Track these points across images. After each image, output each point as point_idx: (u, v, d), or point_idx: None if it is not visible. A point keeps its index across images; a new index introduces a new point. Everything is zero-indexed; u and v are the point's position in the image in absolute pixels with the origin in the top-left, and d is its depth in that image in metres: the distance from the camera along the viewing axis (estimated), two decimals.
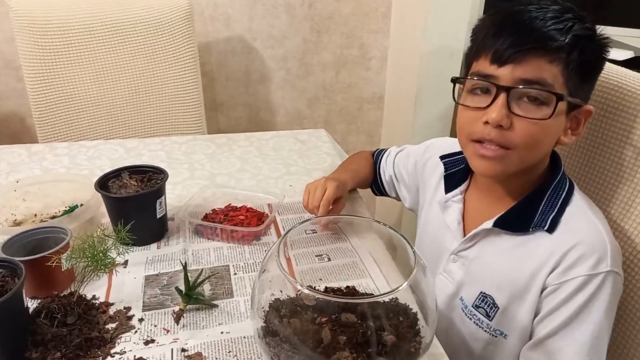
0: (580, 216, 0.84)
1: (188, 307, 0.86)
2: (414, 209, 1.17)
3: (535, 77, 0.76)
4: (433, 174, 1.05)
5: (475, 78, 0.81)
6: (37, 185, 1.16)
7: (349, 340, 0.70)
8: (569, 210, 0.84)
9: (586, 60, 0.78)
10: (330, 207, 1.05)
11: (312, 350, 0.67)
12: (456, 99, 0.86)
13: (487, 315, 0.88)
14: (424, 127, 1.98)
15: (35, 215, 1.14)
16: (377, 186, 1.26)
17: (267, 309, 0.75)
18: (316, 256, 1.00)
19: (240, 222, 1.06)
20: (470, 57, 0.86)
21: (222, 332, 0.82)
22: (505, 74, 0.77)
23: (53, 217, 1.11)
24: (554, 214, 0.84)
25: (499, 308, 0.86)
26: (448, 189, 0.99)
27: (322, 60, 2.11)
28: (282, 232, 1.09)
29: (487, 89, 0.80)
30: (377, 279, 0.94)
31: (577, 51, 0.77)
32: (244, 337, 0.81)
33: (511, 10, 0.81)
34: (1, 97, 1.94)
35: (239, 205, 1.13)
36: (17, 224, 1.10)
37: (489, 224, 0.88)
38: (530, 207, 0.86)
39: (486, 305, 0.88)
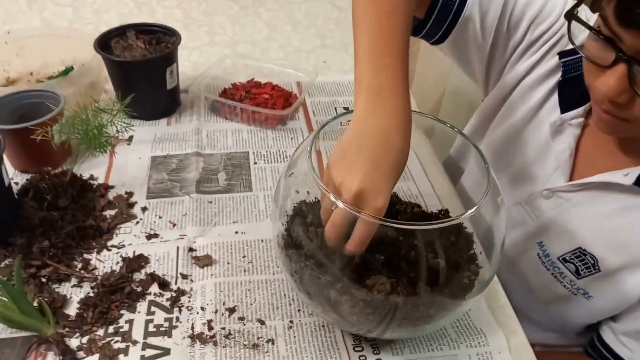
0: None
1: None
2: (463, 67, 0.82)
3: None
4: (546, 79, 0.73)
5: (594, 31, 0.56)
6: (34, 39, 1.00)
7: (387, 260, 0.57)
8: None
9: None
10: None
11: (342, 271, 0.55)
12: (572, 38, 0.60)
13: (577, 273, 0.71)
14: None
15: (32, 74, 0.99)
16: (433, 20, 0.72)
17: (291, 213, 0.62)
18: None
19: (263, 101, 0.90)
20: None
21: (236, 232, 0.70)
22: (630, 39, 0.52)
23: (50, 78, 0.97)
24: None
25: (599, 271, 0.69)
26: (566, 106, 0.71)
27: None
28: (312, 118, 0.94)
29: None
30: (420, 182, 0.80)
31: None
32: (262, 241, 0.69)
33: None
34: None
35: (263, 81, 0.96)
36: (10, 82, 0.96)
37: (624, 178, 0.64)
38: None
39: (581, 263, 0.70)
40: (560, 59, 0.72)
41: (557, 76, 0.72)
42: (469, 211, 0.51)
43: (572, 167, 0.71)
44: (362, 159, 0.50)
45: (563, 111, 0.71)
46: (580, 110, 0.70)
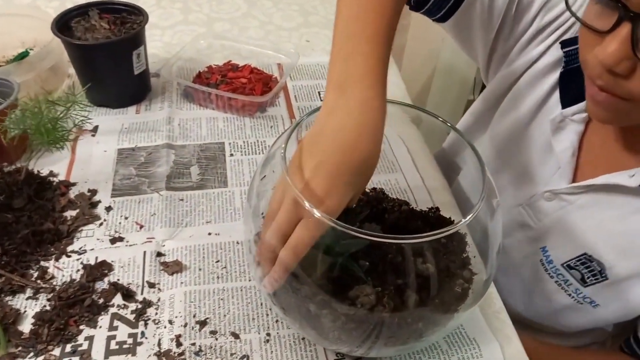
0: None
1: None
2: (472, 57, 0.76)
3: None
4: (552, 70, 0.67)
5: None
6: None
7: (373, 267, 0.52)
8: None
9: None
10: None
11: (321, 282, 0.50)
12: (570, 3, 0.54)
13: (582, 281, 0.66)
14: None
15: None
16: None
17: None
18: None
19: (241, 86, 0.84)
20: None
21: (209, 234, 0.65)
22: None
23: (9, 62, 0.89)
24: None
25: (607, 279, 0.64)
26: (568, 100, 0.64)
27: None
28: (294, 103, 0.87)
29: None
30: (409, 174, 0.75)
31: None
32: (237, 243, 0.64)
33: None
34: None
35: (241, 63, 0.90)
36: None
37: (629, 180, 0.58)
38: None
39: (587, 270, 0.65)
40: (562, 48, 0.64)
41: (557, 68, 0.65)
42: (463, 220, 0.46)
43: (575, 166, 0.65)
44: (313, 164, 0.44)
45: (564, 106, 0.64)
46: (583, 104, 0.63)
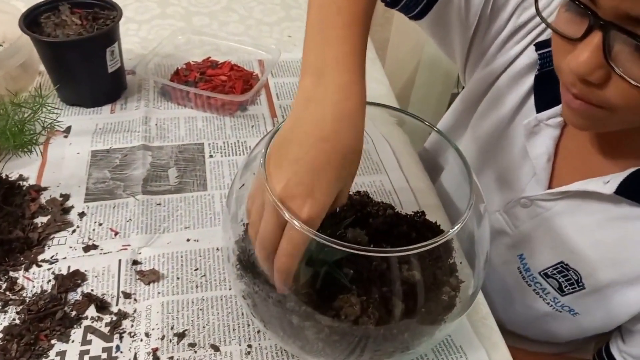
0: None
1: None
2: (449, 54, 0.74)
3: None
4: (530, 72, 0.65)
5: None
6: None
7: (357, 276, 0.50)
8: None
9: None
10: None
11: (303, 291, 0.48)
12: (540, 9, 0.52)
13: (560, 290, 0.64)
14: None
15: None
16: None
17: (247, 222, 0.54)
18: None
19: (220, 84, 0.81)
20: None
21: (188, 240, 0.62)
22: (606, 2, 0.42)
23: None
24: None
25: (584, 288, 0.62)
26: (543, 104, 0.61)
27: None
28: (276, 101, 0.84)
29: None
30: (393, 175, 0.73)
31: None
32: (217, 250, 0.61)
33: None
34: None
35: (220, 59, 0.87)
36: None
37: (604, 186, 0.56)
38: None
39: (564, 279, 0.63)
40: (537, 50, 0.62)
41: (532, 71, 0.63)
42: (451, 230, 0.44)
43: (551, 172, 0.63)
44: (292, 158, 0.41)
45: (539, 110, 0.62)
46: (558, 108, 0.60)
